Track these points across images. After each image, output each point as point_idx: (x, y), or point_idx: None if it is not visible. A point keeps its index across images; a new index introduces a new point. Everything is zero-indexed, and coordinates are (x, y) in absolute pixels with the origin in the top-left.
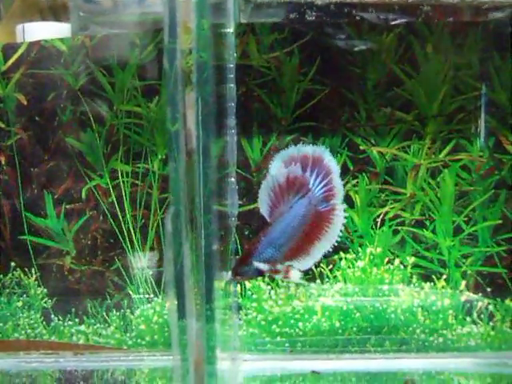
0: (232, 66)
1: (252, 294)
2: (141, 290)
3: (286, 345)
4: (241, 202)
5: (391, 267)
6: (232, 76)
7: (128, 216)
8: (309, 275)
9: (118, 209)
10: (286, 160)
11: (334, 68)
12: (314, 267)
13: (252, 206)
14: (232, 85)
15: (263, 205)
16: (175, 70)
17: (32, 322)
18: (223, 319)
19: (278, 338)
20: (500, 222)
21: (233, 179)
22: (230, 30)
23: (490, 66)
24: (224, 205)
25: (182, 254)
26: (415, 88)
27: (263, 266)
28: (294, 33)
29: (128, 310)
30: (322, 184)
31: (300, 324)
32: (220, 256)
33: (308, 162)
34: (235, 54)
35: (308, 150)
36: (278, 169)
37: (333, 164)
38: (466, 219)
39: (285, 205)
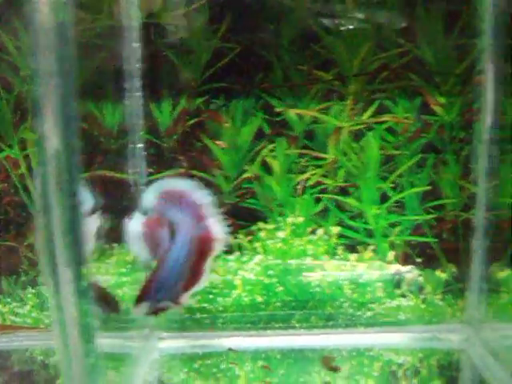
0: (136, 24)
1: None
2: None
3: (206, 321)
4: (151, 170)
5: (314, 238)
6: (136, 35)
7: None
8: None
9: (28, 181)
10: (159, 193)
11: (246, 25)
12: (231, 239)
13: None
14: (137, 44)
15: (142, 246)
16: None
17: None
18: None
19: (198, 315)
20: (428, 188)
21: (140, 145)
22: None
23: (415, 20)
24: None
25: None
26: (334, 44)
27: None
28: None
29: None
30: (196, 216)
31: (219, 299)
32: None
33: (179, 195)
34: (139, 12)
35: (180, 183)
36: (150, 202)
37: (205, 195)
38: (392, 185)
39: (164, 243)
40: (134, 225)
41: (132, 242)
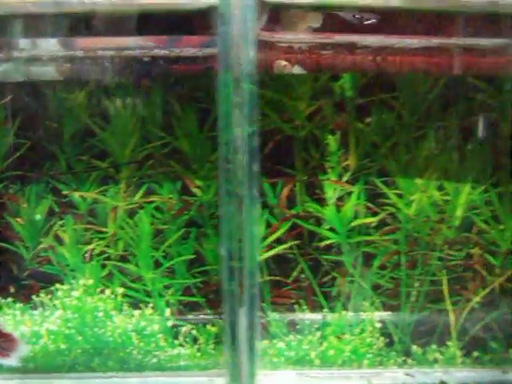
0: None
1: None
2: None
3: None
4: None
5: (104, 296)
6: None
7: None
8: (30, 304)
9: None
10: None
11: (35, 124)
12: (34, 297)
13: None
14: None
15: None
16: None
17: None
18: None
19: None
20: (193, 256)
21: None
22: None
23: (173, 117)
24: None
25: None
26: (108, 138)
27: None
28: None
29: None
30: None
31: (30, 346)
32: None
33: None
34: None
35: None
36: None
37: None
38: (163, 254)
39: None
40: None
41: None
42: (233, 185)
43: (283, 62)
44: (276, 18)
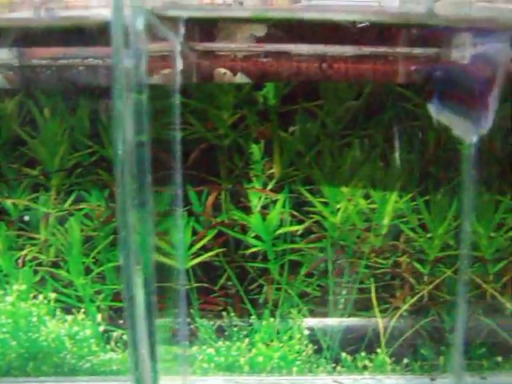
0: None
1: None
2: None
3: None
4: None
5: (37, 302)
6: None
7: None
8: None
9: None
10: None
11: None
12: None
13: None
14: None
15: None
16: None
17: None
18: None
19: None
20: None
21: None
22: None
23: (99, 126)
24: None
25: None
26: (38, 147)
27: None
28: None
29: None
30: None
31: None
32: None
33: None
34: None
35: None
36: None
37: None
38: (93, 260)
39: None
40: None
41: None
42: (123, 194)
43: (223, 70)
44: (213, 28)
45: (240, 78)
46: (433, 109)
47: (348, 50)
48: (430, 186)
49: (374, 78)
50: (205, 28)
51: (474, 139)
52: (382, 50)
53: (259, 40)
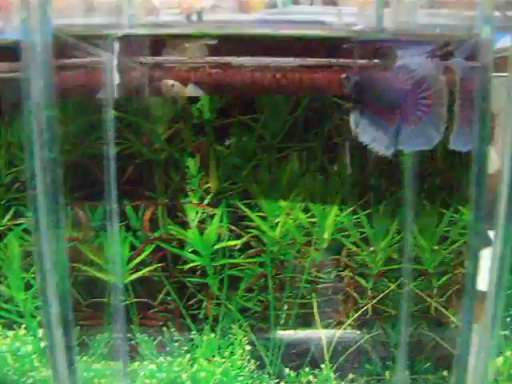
0: None
1: None
2: None
3: None
4: None
5: None
6: None
7: None
8: None
9: None
10: None
11: None
12: None
13: None
14: None
15: None
16: None
17: None
18: None
19: None
20: None
21: None
22: None
23: None
24: None
25: None
26: None
27: None
28: None
29: None
30: None
31: None
32: None
33: None
34: None
35: None
36: None
37: None
38: (34, 276)
39: None
40: None
41: None
42: (36, 212)
43: (170, 82)
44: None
45: (193, 91)
46: (352, 120)
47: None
48: (372, 199)
49: (321, 89)
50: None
51: (390, 153)
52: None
53: (212, 52)
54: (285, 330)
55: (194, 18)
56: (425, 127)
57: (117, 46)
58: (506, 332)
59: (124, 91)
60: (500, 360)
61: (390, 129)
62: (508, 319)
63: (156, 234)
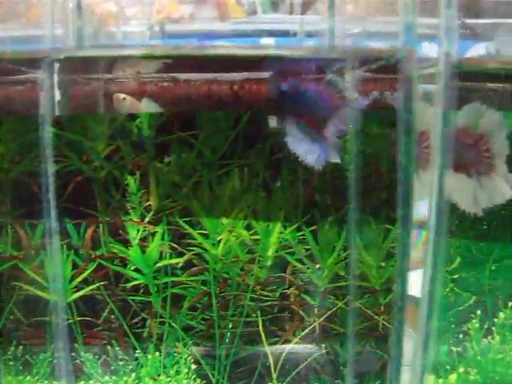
0: None
1: None
2: None
3: None
4: None
5: None
6: None
7: None
8: None
9: None
10: None
11: None
12: None
13: None
14: None
15: None
16: None
17: None
18: None
19: None
20: None
21: None
22: None
23: None
24: None
25: None
26: None
27: None
28: None
29: None
30: None
31: None
32: None
33: None
34: None
35: None
36: None
37: None
38: None
39: None
40: None
41: None
42: None
43: (121, 96)
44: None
45: (147, 105)
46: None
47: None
48: (317, 216)
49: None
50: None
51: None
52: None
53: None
54: (231, 348)
55: (157, 29)
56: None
57: (57, 65)
58: (459, 349)
59: (68, 108)
60: (453, 377)
61: (320, 141)
62: (460, 335)
63: (98, 253)
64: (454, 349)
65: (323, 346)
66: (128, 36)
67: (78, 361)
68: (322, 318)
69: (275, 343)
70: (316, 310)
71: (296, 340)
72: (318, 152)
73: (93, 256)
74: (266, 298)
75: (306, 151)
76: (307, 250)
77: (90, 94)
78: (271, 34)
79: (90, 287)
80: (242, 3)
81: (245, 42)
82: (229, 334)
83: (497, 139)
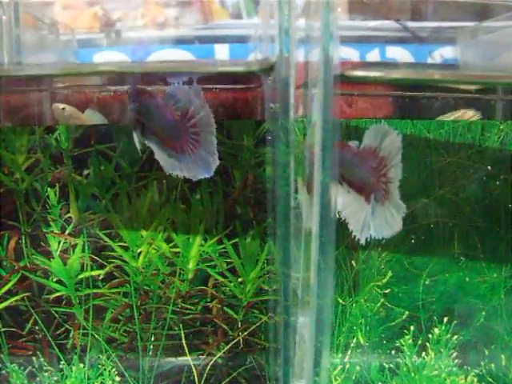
0: None
1: None
2: None
3: None
4: None
5: None
6: None
7: None
8: None
9: None
10: None
11: None
12: None
13: None
14: None
15: None
16: None
17: None
18: None
19: None
20: None
21: None
22: None
23: None
24: None
25: None
26: None
27: None
28: None
29: None
30: None
31: None
32: None
33: None
34: None
35: None
36: None
37: None
38: None
39: None
40: None
41: None
42: None
43: (61, 106)
44: None
45: (91, 116)
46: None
47: None
48: (239, 228)
49: None
50: None
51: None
52: None
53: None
54: (154, 361)
55: (113, 35)
56: (200, 154)
57: None
58: (391, 365)
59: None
60: None
61: (178, 157)
62: (393, 351)
63: (21, 264)
64: (387, 365)
65: (248, 360)
66: (85, 44)
67: (3, 371)
68: (246, 332)
69: (199, 356)
70: (239, 323)
71: (220, 354)
72: (178, 167)
73: (16, 267)
74: (188, 311)
75: (171, 167)
76: (229, 263)
77: (28, 105)
78: (225, 40)
79: (14, 298)
80: (227, 7)
81: (197, 49)
82: (152, 346)
83: (393, 163)
